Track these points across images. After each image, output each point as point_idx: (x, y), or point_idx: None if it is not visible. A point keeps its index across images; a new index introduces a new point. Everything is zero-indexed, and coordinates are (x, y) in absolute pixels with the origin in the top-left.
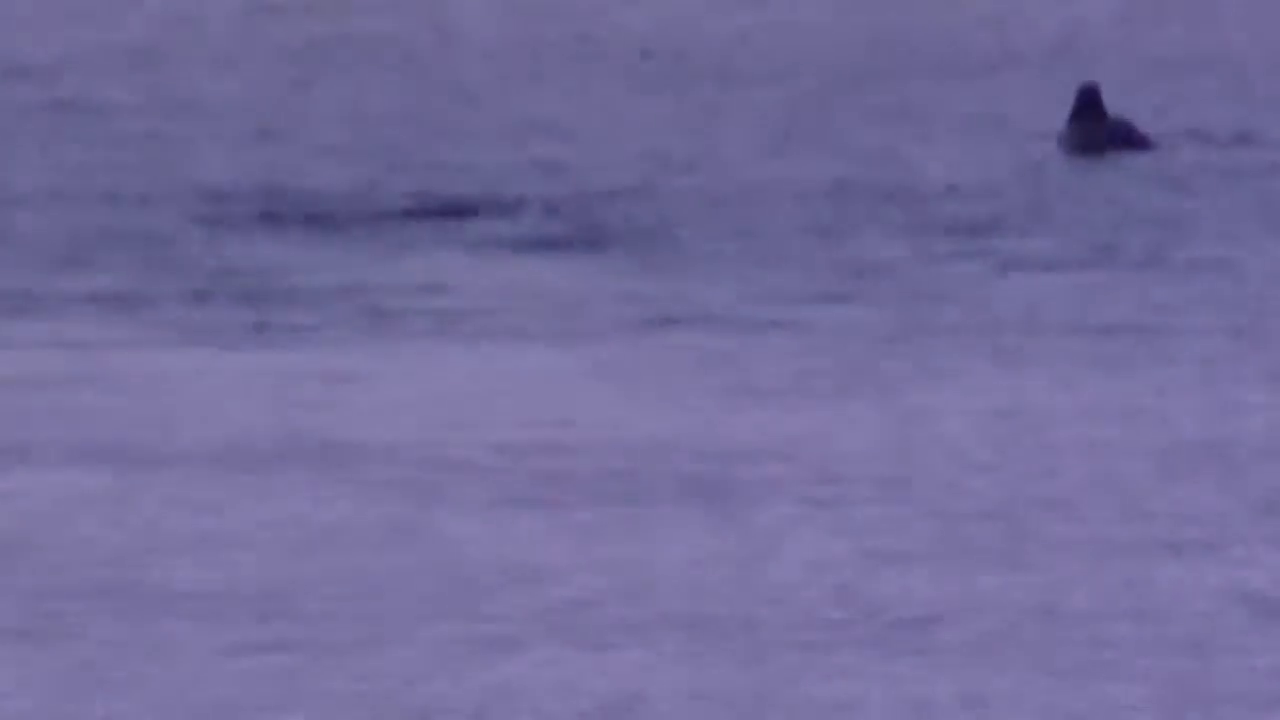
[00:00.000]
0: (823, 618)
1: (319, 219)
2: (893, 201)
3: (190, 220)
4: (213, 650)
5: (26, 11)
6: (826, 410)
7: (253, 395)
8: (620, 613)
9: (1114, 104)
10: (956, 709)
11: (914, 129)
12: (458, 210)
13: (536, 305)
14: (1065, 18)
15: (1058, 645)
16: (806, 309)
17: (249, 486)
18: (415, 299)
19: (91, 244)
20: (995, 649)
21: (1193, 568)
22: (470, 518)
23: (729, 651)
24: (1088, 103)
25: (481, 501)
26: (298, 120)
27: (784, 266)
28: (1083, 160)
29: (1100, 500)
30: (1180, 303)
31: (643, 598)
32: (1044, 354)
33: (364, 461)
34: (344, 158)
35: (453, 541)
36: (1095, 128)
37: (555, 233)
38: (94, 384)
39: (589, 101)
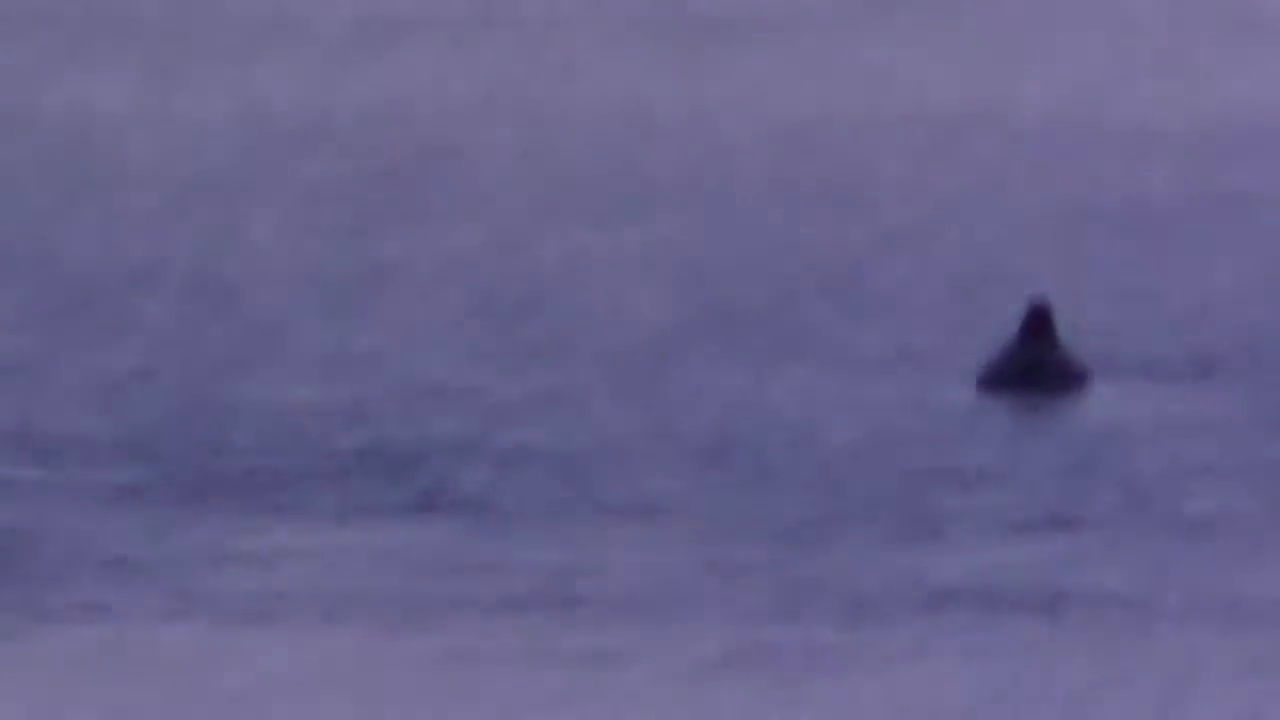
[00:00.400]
0: None
1: (99, 476)
2: (788, 456)
3: None
4: None
5: None
6: (703, 716)
7: (18, 686)
8: None
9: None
10: None
11: (809, 368)
12: (262, 465)
13: (357, 581)
14: (977, 237)
15: None
16: (684, 586)
17: None
18: (213, 574)
19: None
20: None
21: None
22: None
23: None
24: (1038, 323)
25: None
26: (68, 354)
27: (650, 538)
28: (1017, 397)
29: None
30: (1130, 577)
31: None
32: (968, 636)
33: None
34: (123, 397)
35: None
36: (1046, 355)
37: (375, 494)
38: None
39: (407, 336)
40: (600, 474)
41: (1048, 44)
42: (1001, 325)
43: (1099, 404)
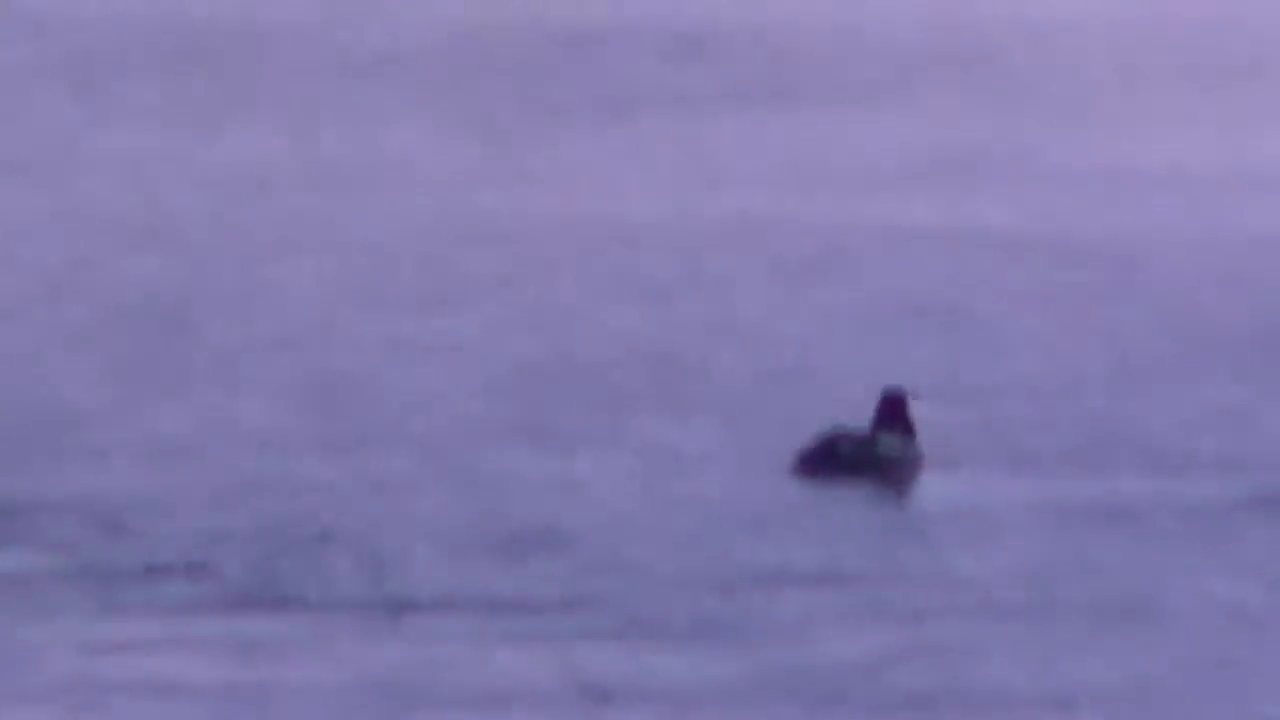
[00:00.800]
0: None
1: None
2: (613, 547)
3: None
4: None
5: None
6: None
7: None
8: None
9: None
10: None
11: (632, 460)
12: (78, 556)
13: (177, 671)
14: (798, 331)
15: None
16: (513, 678)
17: None
18: (36, 666)
19: None
20: None
21: None
22: None
23: None
24: (891, 411)
25: None
26: None
27: (476, 629)
28: (845, 485)
29: None
30: (959, 668)
31: None
32: None
33: None
34: None
35: None
36: (905, 443)
37: (194, 585)
38: None
39: (223, 424)
40: (421, 564)
41: (866, 136)
42: (824, 416)
43: (929, 493)
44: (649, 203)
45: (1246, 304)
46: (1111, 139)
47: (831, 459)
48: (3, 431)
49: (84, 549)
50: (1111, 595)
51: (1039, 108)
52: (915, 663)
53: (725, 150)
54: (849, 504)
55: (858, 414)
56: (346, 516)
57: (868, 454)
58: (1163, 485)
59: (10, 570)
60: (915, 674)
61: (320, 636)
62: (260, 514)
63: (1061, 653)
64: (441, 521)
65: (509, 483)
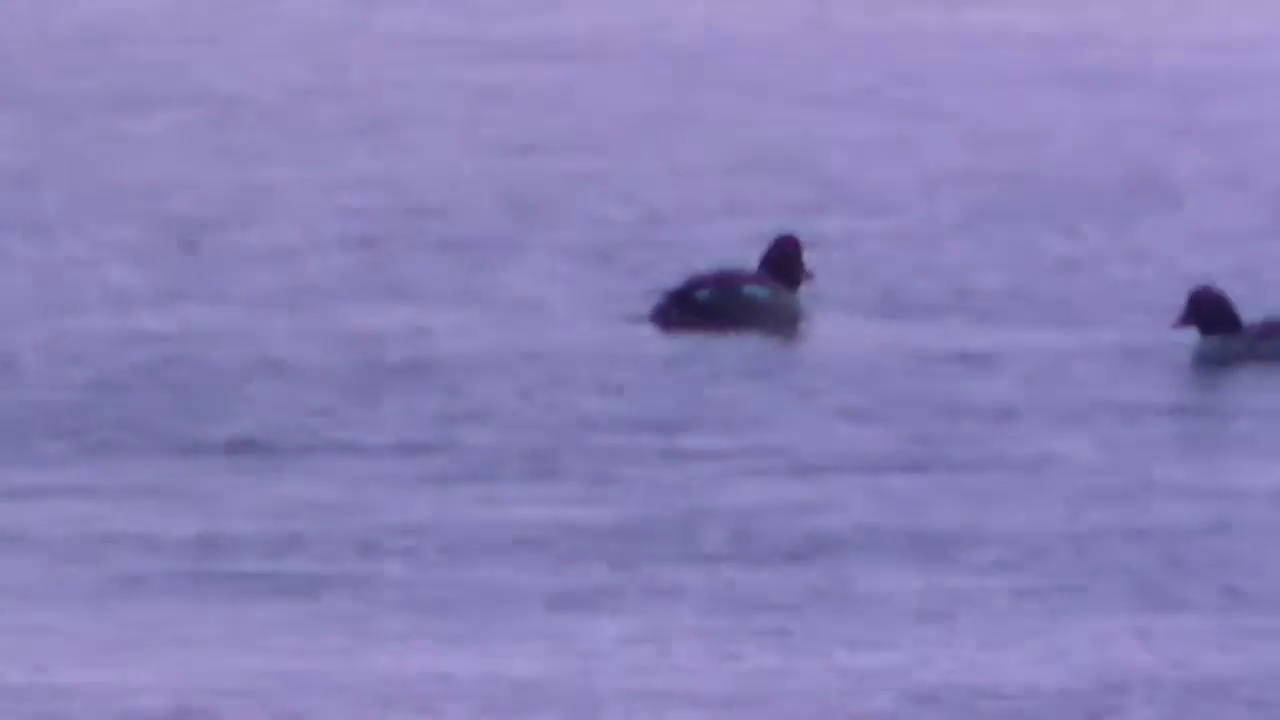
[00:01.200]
0: None
1: None
2: (481, 392)
3: None
4: None
5: None
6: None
7: None
8: None
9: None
10: None
11: (485, 309)
12: None
13: (35, 519)
14: (652, 182)
15: None
16: (385, 521)
17: None
18: None
19: None
20: None
21: None
22: None
23: None
24: (785, 257)
25: None
26: None
27: (350, 474)
28: (707, 334)
29: None
30: (834, 515)
31: None
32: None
33: None
34: None
35: None
36: (776, 292)
37: (49, 439)
38: None
39: (72, 277)
40: (283, 411)
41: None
42: (685, 265)
43: (791, 342)
44: (499, 61)
45: (1097, 152)
46: (968, 6)
47: (690, 306)
48: None
49: None
50: (977, 441)
51: None
52: (781, 512)
53: (574, 17)
54: (707, 352)
55: (718, 262)
56: (202, 366)
57: (729, 301)
58: (1021, 332)
59: None
60: (780, 523)
61: (183, 483)
62: (117, 364)
63: (926, 500)
64: (299, 370)
65: (365, 331)
